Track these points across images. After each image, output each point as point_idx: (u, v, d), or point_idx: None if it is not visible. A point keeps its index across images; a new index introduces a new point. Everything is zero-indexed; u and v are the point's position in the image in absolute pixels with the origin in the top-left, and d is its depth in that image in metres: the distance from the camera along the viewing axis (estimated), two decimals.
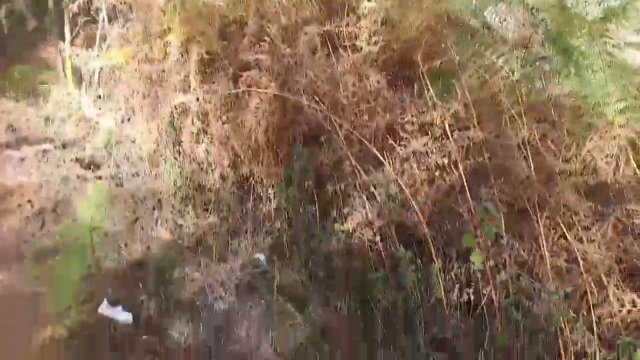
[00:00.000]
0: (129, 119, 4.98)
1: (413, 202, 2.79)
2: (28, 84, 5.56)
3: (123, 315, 2.66)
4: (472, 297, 2.46)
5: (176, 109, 3.82)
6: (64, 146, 4.56)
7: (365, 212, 2.85)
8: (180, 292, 2.91)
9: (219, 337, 2.65)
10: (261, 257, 3.29)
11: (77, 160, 4.33)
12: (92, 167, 4.32)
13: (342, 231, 2.91)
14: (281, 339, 2.65)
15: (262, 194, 3.72)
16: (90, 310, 2.59)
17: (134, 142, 4.71)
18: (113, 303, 2.70)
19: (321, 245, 2.98)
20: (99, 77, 5.33)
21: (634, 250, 2.67)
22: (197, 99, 3.56)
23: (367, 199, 2.94)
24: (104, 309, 2.65)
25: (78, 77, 5.60)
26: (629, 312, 2.46)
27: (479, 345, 2.54)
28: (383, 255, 2.87)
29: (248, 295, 2.95)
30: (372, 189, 2.91)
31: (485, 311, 2.54)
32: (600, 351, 2.28)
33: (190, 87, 3.68)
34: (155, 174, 4.25)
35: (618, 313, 2.46)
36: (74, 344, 2.43)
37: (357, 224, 2.86)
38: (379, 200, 2.85)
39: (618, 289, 2.57)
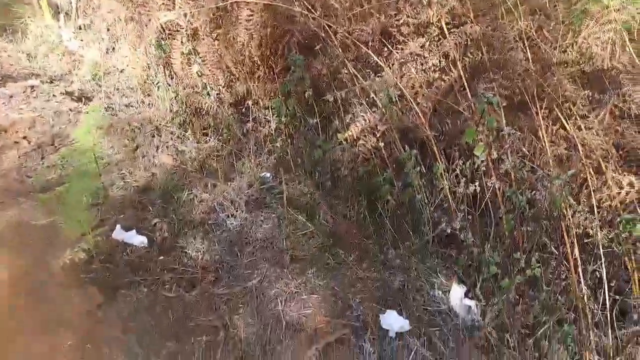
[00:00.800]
0: (113, 48, 4.85)
1: (414, 104, 2.80)
2: (2, 19, 5.35)
3: (138, 239, 2.72)
4: (477, 190, 2.52)
5: (163, 30, 3.71)
6: (51, 81, 4.46)
7: (367, 119, 2.85)
8: (191, 213, 2.96)
9: (234, 251, 2.72)
10: (267, 174, 3.33)
11: (66, 93, 4.25)
12: (83, 99, 4.25)
13: (346, 140, 2.93)
14: (296, 248, 2.73)
15: (260, 113, 3.70)
16: (105, 236, 2.63)
17: (122, 71, 4.61)
18: (126, 228, 2.76)
19: (325, 156, 3.00)
20: (76, 6, 5.14)
21: (631, 134, 2.72)
22: (185, 15, 3.44)
23: (367, 105, 2.93)
24: (118, 233, 2.70)
25: (55, 9, 5.39)
26: (627, 193, 2.53)
27: (485, 236, 2.64)
28: (387, 161, 2.90)
29: (258, 210, 3.00)
30: (372, 95, 2.89)
31: (489, 203, 2.62)
32: (601, 230, 2.36)
33: (175, 4, 3.54)
34: (149, 103, 4.20)
35: (617, 195, 2.53)
36: (92, 267, 2.51)
37: (360, 131, 2.86)
38: (379, 105, 2.84)
39: (616, 172, 2.64)
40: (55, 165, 3.24)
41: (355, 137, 2.93)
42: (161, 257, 2.64)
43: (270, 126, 3.61)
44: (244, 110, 3.80)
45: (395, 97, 2.79)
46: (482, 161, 2.48)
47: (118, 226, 2.73)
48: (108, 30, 4.83)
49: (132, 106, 4.25)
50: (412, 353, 2.19)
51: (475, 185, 2.48)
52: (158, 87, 4.06)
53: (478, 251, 2.47)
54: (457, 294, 2.51)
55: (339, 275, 2.59)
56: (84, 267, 2.47)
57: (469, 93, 2.78)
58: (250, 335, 2.23)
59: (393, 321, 2.29)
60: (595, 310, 2.32)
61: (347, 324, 2.31)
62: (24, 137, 3.57)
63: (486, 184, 2.56)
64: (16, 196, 2.96)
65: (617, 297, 2.39)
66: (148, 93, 4.27)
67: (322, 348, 2.18)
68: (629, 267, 2.45)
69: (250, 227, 2.87)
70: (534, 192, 2.45)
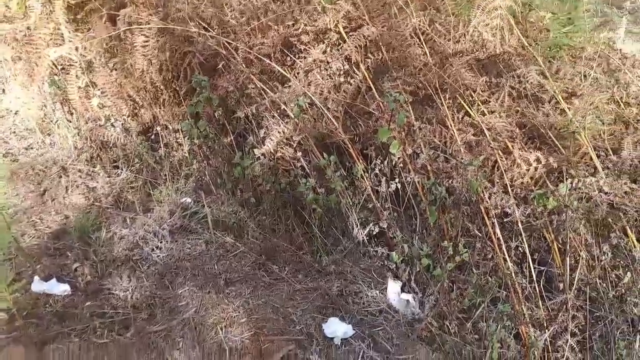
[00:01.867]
0: (3, 90, 4.56)
1: (325, 111, 2.83)
2: None
3: (59, 287, 2.55)
4: (398, 186, 2.58)
5: (55, 66, 3.53)
6: None
7: (281, 131, 2.85)
8: (113, 251, 2.82)
9: (164, 284, 2.63)
10: (187, 199, 3.24)
11: None
12: None
13: (263, 155, 2.91)
14: (229, 270, 2.68)
15: (171, 137, 3.61)
16: (23, 290, 2.47)
17: (16, 113, 4.35)
18: (46, 278, 2.59)
19: (245, 173, 2.97)
20: None
21: (530, 112, 2.89)
22: (77, 49, 3.29)
23: (280, 117, 2.93)
24: (37, 285, 2.53)
25: None
26: (535, 169, 2.69)
27: (413, 230, 2.71)
28: (307, 169, 2.92)
29: (184, 238, 2.92)
30: (283, 106, 2.90)
31: (412, 198, 2.69)
32: (518, 208, 2.49)
33: (64, 38, 3.38)
34: (50, 142, 3.99)
35: (526, 172, 2.69)
36: (15, 325, 2.33)
37: (276, 144, 2.85)
38: (292, 116, 2.85)
39: (522, 150, 2.79)
40: None
41: (272, 151, 2.93)
42: (88, 303, 2.49)
43: (183, 150, 3.52)
44: (153, 137, 3.69)
45: (305, 106, 2.81)
46: (399, 158, 2.55)
47: (36, 277, 2.56)
48: None
49: (32, 148, 4.03)
50: (360, 357, 2.20)
51: (396, 183, 2.54)
52: (58, 125, 3.87)
53: (408, 246, 2.53)
54: (393, 289, 2.56)
55: (276, 291, 2.57)
56: (5, 327, 2.29)
57: (375, 93, 2.85)
58: None
59: (336, 328, 2.30)
60: (523, 285, 2.44)
61: (291, 339, 2.29)
62: None
63: (406, 179, 2.64)
64: None
65: (542, 268, 2.53)
66: (48, 132, 4.06)
67: None
68: (547, 238, 2.60)
69: (177, 257, 2.78)
70: (450, 180, 2.55)
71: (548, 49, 3.52)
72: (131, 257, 2.78)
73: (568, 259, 2.37)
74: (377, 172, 2.65)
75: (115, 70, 3.37)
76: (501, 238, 2.50)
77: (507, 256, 2.48)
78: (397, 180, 2.58)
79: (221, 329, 2.33)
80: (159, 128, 3.58)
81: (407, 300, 2.51)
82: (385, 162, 2.60)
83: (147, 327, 2.37)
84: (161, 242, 2.87)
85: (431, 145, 2.74)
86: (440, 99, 2.78)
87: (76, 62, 3.39)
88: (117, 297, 2.53)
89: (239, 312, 2.41)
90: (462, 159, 2.55)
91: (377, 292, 2.56)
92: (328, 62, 2.99)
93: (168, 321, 2.39)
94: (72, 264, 2.73)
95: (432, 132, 2.78)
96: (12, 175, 3.48)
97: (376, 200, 2.70)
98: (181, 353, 2.22)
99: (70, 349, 2.25)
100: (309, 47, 3.01)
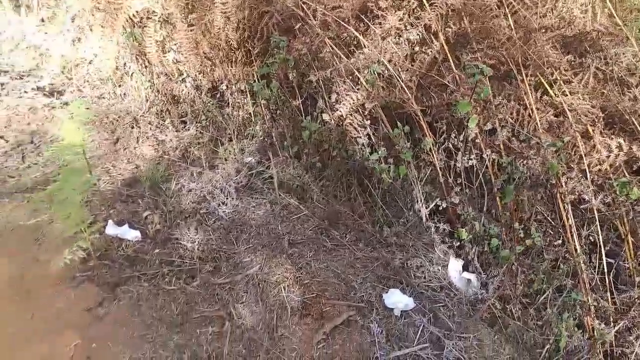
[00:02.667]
0: (79, 39, 4.69)
1: (399, 80, 2.78)
2: None
3: (131, 233, 2.66)
4: (474, 163, 2.52)
5: (132, 19, 3.58)
6: (20, 77, 4.28)
7: (353, 97, 2.82)
8: (182, 203, 2.90)
9: (230, 239, 2.69)
10: (251, 159, 3.28)
11: (37, 89, 4.10)
12: (54, 94, 4.11)
13: (332, 120, 2.90)
14: (292, 232, 2.71)
15: (239, 96, 3.63)
16: (98, 233, 2.57)
17: (91, 62, 4.46)
18: (119, 223, 2.69)
19: (312, 137, 2.97)
20: None
21: (615, 96, 2.75)
22: (157, 2, 3.33)
23: (352, 83, 2.89)
24: (111, 229, 2.64)
25: (15, 2, 5.16)
26: (616, 156, 2.57)
27: (480, 208, 2.66)
28: (373, 139, 2.89)
29: (249, 197, 2.96)
30: (356, 73, 2.86)
31: (483, 177, 2.63)
32: (596, 195, 2.40)
33: None
34: (121, 93, 4.09)
35: (606, 159, 2.58)
36: (89, 265, 2.44)
37: (347, 110, 2.83)
38: (364, 83, 2.81)
39: (603, 136, 2.67)
40: (37, 164, 3.14)
41: (342, 117, 2.91)
42: (157, 250, 2.59)
43: (250, 109, 3.54)
44: (220, 95, 3.73)
45: (379, 73, 2.76)
46: (476, 133, 2.48)
47: (110, 222, 2.67)
48: (73, 21, 4.65)
49: (104, 98, 4.14)
50: (420, 330, 2.20)
51: (472, 159, 2.48)
52: (131, 77, 3.95)
53: (479, 224, 2.49)
54: (455, 267, 2.53)
55: (337, 256, 2.59)
56: (80, 266, 2.40)
57: (452, 65, 2.77)
58: (256, 323, 2.22)
59: (397, 300, 2.30)
60: (591, 275, 2.37)
61: (352, 305, 2.31)
62: (1, 137, 3.43)
63: (480, 156, 2.57)
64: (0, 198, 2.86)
65: (612, 260, 2.44)
66: (120, 84, 4.15)
67: (329, 331, 2.18)
68: (620, 230, 2.50)
69: (243, 214, 2.83)
70: (526, 161, 2.47)
71: (639, 30, 3.33)
72: (198, 210, 2.84)
73: None
74: (450, 146, 2.59)
75: (193, 26, 3.40)
76: (574, 225, 2.43)
77: (577, 244, 2.41)
78: (473, 156, 2.52)
79: (284, 287, 2.37)
80: (228, 86, 3.60)
81: (469, 280, 2.48)
82: (461, 137, 2.54)
83: (212, 278, 2.44)
84: (227, 198, 2.92)
85: (507, 123, 2.66)
86: (522, 76, 2.68)
87: (156, 15, 3.43)
88: (184, 248, 2.61)
89: (301, 274, 2.44)
90: (540, 139, 2.47)
91: (439, 268, 2.54)
92: (405, 30, 2.93)
93: (232, 275, 2.45)
94: (142, 212, 2.82)
95: (510, 109, 2.69)
96: (87, 122, 3.60)
97: (447, 175, 2.65)
98: (245, 307, 2.28)
99: (140, 292, 2.35)
100: (387, 14, 2.95)
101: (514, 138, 2.59)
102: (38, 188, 2.87)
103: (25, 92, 4.02)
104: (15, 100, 3.85)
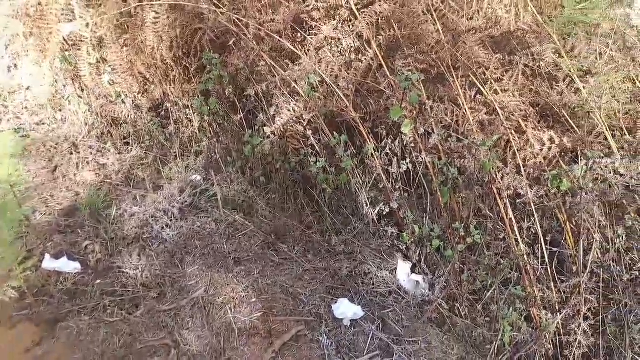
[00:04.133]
0: (15, 66, 4.55)
1: (336, 88, 2.79)
2: None
3: (70, 265, 2.58)
4: (409, 167, 2.55)
5: (66, 42, 3.50)
6: None
7: (292, 109, 2.81)
8: (124, 229, 2.83)
9: (174, 263, 2.64)
10: (197, 177, 3.24)
11: None
12: None
13: (273, 133, 2.88)
14: (238, 250, 2.68)
15: (181, 114, 3.58)
16: (35, 268, 2.49)
17: (28, 89, 4.34)
18: (56, 256, 2.61)
19: (255, 151, 2.95)
20: None
21: (544, 91, 2.82)
22: (87, 25, 3.25)
23: (290, 95, 2.89)
24: (48, 263, 2.55)
25: None
26: (549, 149, 2.64)
27: (423, 210, 2.68)
28: (317, 148, 2.89)
29: (194, 216, 2.91)
30: (294, 85, 2.86)
31: (422, 177, 2.66)
32: (531, 189, 2.45)
33: (75, 14, 3.35)
34: (61, 118, 3.99)
35: (540, 152, 2.64)
36: (26, 303, 2.36)
37: (286, 122, 2.82)
38: (302, 93, 2.81)
39: (536, 130, 2.74)
40: None
41: (282, 129, 2.90)
42: (98, 281, 2.52)
43: (193, 127, 3.50)
44: (163, 113, 3.68)
45: (316, 83, 2.77)
46: (410, 137, 2.51)
47: (47, 255, 2.58)
48: (7, 47, 4.52)
49: (44, 124, 4.03)
50: (369, 338, 2.20)
51: (407, 163, 2.51)
52: (69, 102, 3.86)
53: (419, 226, 2.51)
54: (403, 270, 2.55)
55: (285, 270, 2.57)
56: (16, 305, 2.31)
57: (387, 71, 2.79)
58: (203, 349, 2.17)
59: (346, 309, 2.30)
60: (535, 267, 2.41)
61: (300, 319, 2.30)
62: None
63: (417, 159, 2.60)
64: None
65: (554, 249, 2.50)
66: (59, 108, 4.05)
67: (278, 349, 2.16)
68: (560, 219, 2.56)
69: (188, 235, 2.79)
70: (463, 160, 2.51)
71: (563, 25, 3.43)
72: (141, 235, 2.79)
73: (582, 241, 2.33)
74: (388, 151, 2.62)
75: (126, 46, 3.34)
76: (513, 219, 2.47)
77: (519, 237, 2.45)
78: (408, 160, 2.54)
79: (230, 308, 2.33)
80: (169, 105, 3.56)
81: (417, 282, 2.50)
82: (397, 142, 2.56)
83: (157, 306, 2.38)
84: (171, 220, 2.87)
85: (443, 124, 2.70)
86: (453, 77, 2.73)
87: (87, 39, 3.36)
88: (127, 276, 2.55)
89: (248, 292, 2.42)
90: (474, 138, 2.51)
91: (387, 272, 2.55)
92: (339, 39, 2.94)
93: (178, 300, 2.40)
94: (82, 242, 2.75)
95: (444, 111, 2.73)
96: (23, 152, 3.49)
97: (386, 180, 2.67)
98: (190, 332, 2.24)
99: (80, 327, 2.27)
100: (320, 24, 2.96)
101: (449, 139, 2.62)
102: None
103: None
104: None
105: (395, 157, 2.58)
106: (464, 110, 2.67)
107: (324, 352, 2.15)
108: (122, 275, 2.55)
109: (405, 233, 2.53)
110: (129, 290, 2.46)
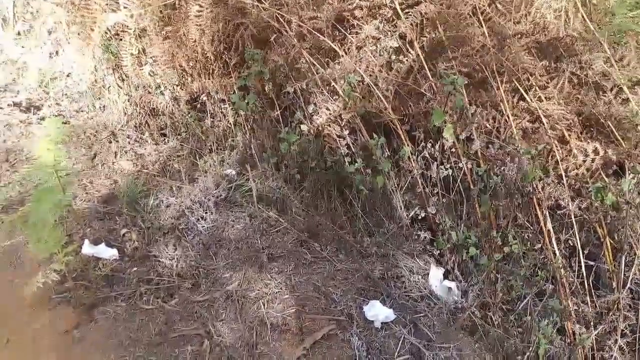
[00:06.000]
0: (57, 52, 4.64)
1: (375, 89, 2.77)
2: None
3: (108, 252, 2.62)
4: (449, 173, 2.52)
5: (109, 32, 3.56)
6: None
7: (330, 108, 2.81)
8: (160, 219, 2.87)
9: (209, 255, 2.66)
10: (232, 171, 3.26)
11: (14, 105, 4.06)
12: (32, 109, 4.07)
13: (310, 131, 2.89)
14: (272, 246, 2.69)
15: (217, 108, 3.61)
16: (74, 253, 2.53)
17: (68, 76, 4.42)
18: (95, 242, 2.66)
19: (290, 149, 2.95)
20: (14, 12, 4.87)
21: (590, 100, 2.77)
22: (131, 16, 3.30)
23: (329, 94, 2.89)
24: (88, 248, 2.60)
25: None
26: (592, 160, 2.59)
27: (458, 216, 2.65)
28: (353, 148, 2.88)
29: (228, 210, 2.94)
30: (333, 83, 2.85)
31: (461, 184, 2.63)
32: (573, 201, 2.41)
33: (119, 4, 3.40)
34: (100, 106, 4.06)
35: (583, 163, 2.59)
36: (65, 287, 2.41)
37: (324, 121, 2.82)
38: (341, 93, 2.81)
39: (579, 140, 2.69)
40: (12, 183, 3.09)
41: (319, 128, 2.90)
42: (135, 269, 2.56)
43: (229, 121, 3.52)
44: (199, 106, 3.71)
45: (355, 83, 2.76)
46: (450, 142, 2.49)
47: (86, 241, 2.63)
48: (50, 34, 4.61)
49: (83, 111, 4.10)
50: (400, 342, 2.19)
51: (447, 168, 2.48)
52: (109, 90, 3.92)
53: (456, 233, 2.49)
54: (436, 276, 2.53)
55: (317, 269, 2.57)
56: (55, 287, 2.36)
57: (428, 73, 2.77)
58: (236, 341, 2.19)
59: (378, 312, 2.29)
60: (571, 280, 2.37)
61: (332, 319, 2.30)
62: None
63: (456, 165, 2.58)
64: None
65: (590, 263, 2.45)
66: (99, 97, 4.11)
67: (309, 347, 2.16)
68: (599, 233, 2.51)
69: (222, 229, 2.81)
70: (503, 168, 2.47)
71: (612, 34, 3.35)
72: (177, 225, 2.82)
73: (623, 257, 2.28)
74: (427, 155, 2.59)
75: (168, 39, 3.38)
76: (551, 230, 2.44)
77: (556, 249, 2.41)
78: (449, 166, 2.52)
79: (263, 303, 2.35)
80: (206, 98, 3.59)
81: (450, 288, 2.48)
82: (437, 146, 2.54)
83: (191, 296, 2.41)
84: (206, 213, 2.90)
85: (483, 130, 2.67)
86: (497, 82, 2.69)
87: (130, 29, 3.41)
88: (163, 265, 2.58)
89: (281, 288, 2.43)
90: (517, 146, 2.47)
91: (420, 277, 2.53)
92: (381, 39, 2.93)
93: (211, 292, 2.43)
94: (120, 229, 2.79)
95: (486, 117, 2.70)
96: (64, 139, 3.56)
97: (423, 185, 2.65)
98: (224, 324, 2.26)
99: (117, 312, 2.32)
100: (362, 23, 2.95)
101: (490, 146, 2.59)
102: (13, 208, 2.83)
103: (1, 107, 3.97)
104: None
105: (435, 162, 2.56)
106: (507, 117, 2.63)
107: (354, 352, 2.15)
108: (158, 264, 2.58)
109: (441, 239, 2.51)
110: (164, 279, 2.49)
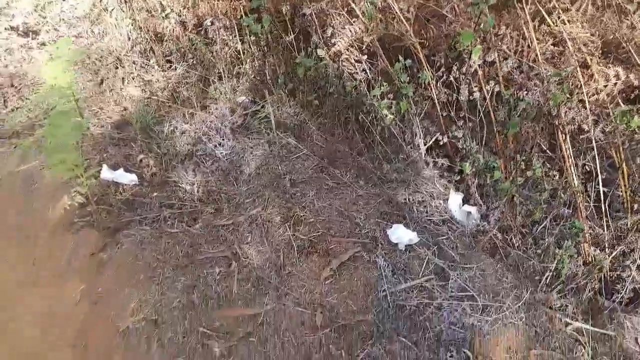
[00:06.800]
0: None
1: (397, 11, 2.69)
2: None
3: (127, 177, 2.61)
4: (477, 96, 2.49)
5: None
6: None
7: (352, 31, 2.73)
8: (176, 145, 2.84)
9: (229, 180, 2.65)
10: (245, 99, 3.20)
11: (11, 29, 3.90)
12: (30, 34, 3.92)
13: (327, 55, 2.81)
14: (292, 172, 2.68)
15: (227, 32, 3.49)
16: (94, 177, 2.51)
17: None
18: (113, 167, 2.63)
19: (308, 74, 2.89)
20: None
21: (613, 24, 2.71)
22: None
23: (348, 15, 2.80)
24: (106, 174, 2.58)
25: None
26: (614, 85, 2.56)
27: (479, 141, 2.65)
28: (370, 74, 2.82)
29: (246, 137, 2.90)
30: (352, 4, 2.75)
31: (483, 109, 2.60)
32: (596, 125, 2.40)
33: None
34: (99, 32, 3.91)
35: (604, 88, 2.57)
36: (87, 211, 2.40)
37: (345, 44, 2.75)
38: (360, 15, 2.72)
39: (600, 65, 2.65)
40: (20, 108, 3.02)
41: (338, 52, 2.83)
42: (155, 194, 2.55)
43: (238, 46, 3.41)
44: (207, 31, 3.58)
45: (376, 4, 2.67)
46: (479, 65, 2.44)
47: (105, 166, 2.61)
48: None
49: (81, 37, 3.95)
50: (425, 263, 2.23)
51: (476, 92, 2.44)
52: (111, 14, 3.77)
53: (482, 156, 2.48)
54: (455, 201, 2.55)
55: (339, 194, 2.57)
56: (78, 211, 2.36)
57: None
58: (263, 262, 2.22)
59: (401, 234, 2.31)
60: (587, 204, 2.40)
61: (357, 241, 2.32)
62: None
63: (480, 89, 2.54)
64: None
65: (606, 189, 2.47)
66: (98, 21, 3.96)
67: (336, 268, 2.19)
68: (614, 159, 2.52)
69: (241, 155, 2.78)
70: (527, 92, 2.45)
71: None
72: (194, 152, 2.79)
73: None
74: (452, 79, 2.55)
75: None
76: (572, 155, 2.44)
77: (574, 175, 2.43)
78: (477, 89, 2.48)
79: (289, 227, 2.36)
80: (215, 22, 3.46)
81: (469, 212, 2.50)
82: (463, 69, 2.49)
83: (215, 220, 2.42)
84: (223, 139, 2.87)
85: (509, 54, 2.62)
86: (521, 4, 2.61)
87: None
88: (183, 190, 2.58)
89: (305, 213, 2.43)
90: (545, 69, 2.43)
91: (441, 202, 2.55)
92: None
93: (235, 216, 2.43)
94: (136, 155, 2.76)
95: (509, 40, 2.64)
96: (72, 64, 3.45)
97: (445, 110, 2.62)
98: (250, 247, 2.28)
99: (143, 236, 2.33)
100: None
101: (515, 69, 2.55)
102: (25, 133, 2.78)
103: None
104: None
105: (461, 85, 2.52)
106: (530, 40, 2.58)
107: (380, 272, 2.19)
108: (178, 190, 2.57)
109: (467, 163, 2.50)
110: (186, 204, 2.49)
